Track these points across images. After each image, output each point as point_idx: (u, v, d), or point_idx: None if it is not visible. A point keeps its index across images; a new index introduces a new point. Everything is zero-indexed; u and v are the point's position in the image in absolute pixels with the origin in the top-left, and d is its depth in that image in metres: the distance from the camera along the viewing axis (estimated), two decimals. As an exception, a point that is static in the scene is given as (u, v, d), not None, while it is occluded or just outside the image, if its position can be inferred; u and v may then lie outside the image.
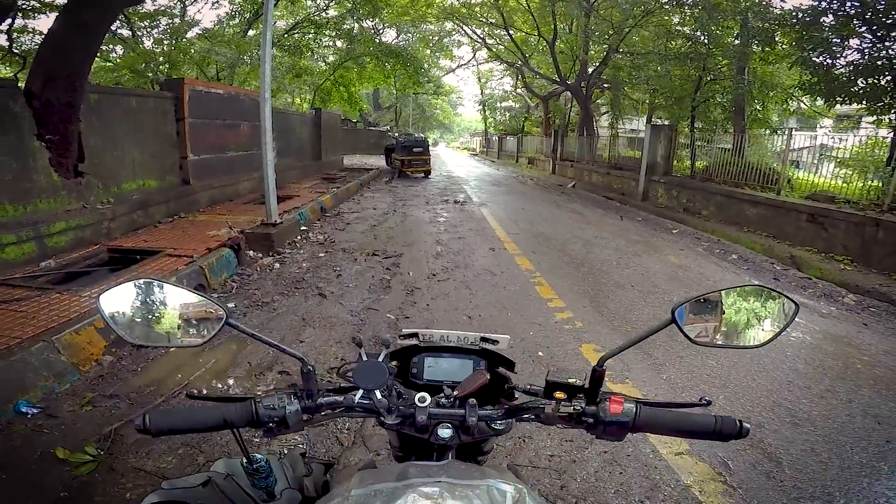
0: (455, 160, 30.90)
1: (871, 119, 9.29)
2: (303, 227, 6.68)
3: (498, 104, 34.49)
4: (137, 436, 2.26)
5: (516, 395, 0.89)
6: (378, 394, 0.78)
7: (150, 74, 11.00)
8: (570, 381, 0.80)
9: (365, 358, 0.79)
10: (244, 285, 4.43)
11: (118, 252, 4.85)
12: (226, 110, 8.44)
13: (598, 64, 16.18)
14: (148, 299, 0.77)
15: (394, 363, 0.86)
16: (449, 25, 22.18)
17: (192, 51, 11.75)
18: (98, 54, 6.30)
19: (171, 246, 4.88)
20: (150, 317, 0.76)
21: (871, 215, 5.96)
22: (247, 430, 0.80)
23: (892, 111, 8.04)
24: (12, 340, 2.73)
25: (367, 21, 17.21)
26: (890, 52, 7.67)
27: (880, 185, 6.57)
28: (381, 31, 19.56)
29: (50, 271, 4.18)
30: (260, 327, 3.54)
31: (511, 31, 18.70)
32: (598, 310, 4.17)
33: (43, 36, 5.43)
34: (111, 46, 12.39)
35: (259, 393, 0.80)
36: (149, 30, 12.96)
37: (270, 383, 2.82)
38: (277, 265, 5.06)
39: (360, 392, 0.79)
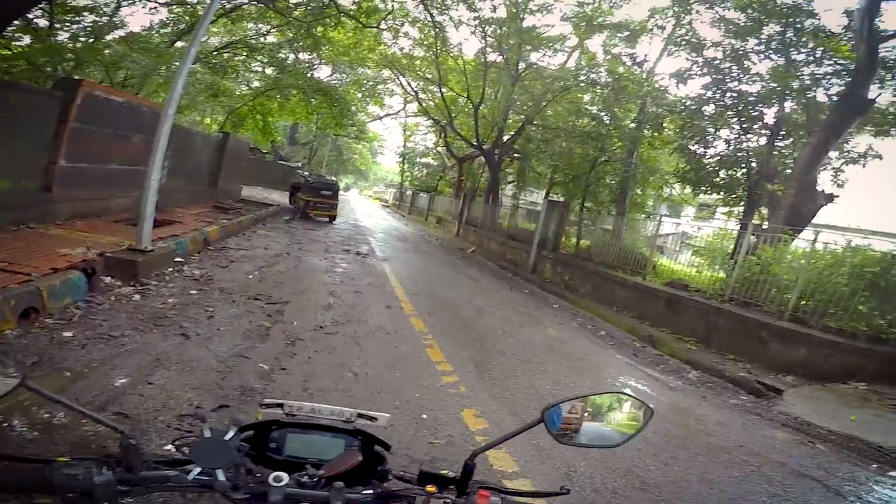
0: (365, 209, 30.90)
1: (724, 210, 11.01)
2: (178, 259, 6.03)
3: (418, 159, 35.34)
4: None
5: (390, 478, 0.85)
6: (220, 474, 0.68)
7: (49, 69, 9.78)
8: (442, 472, 0.81)
9: (208, 434, 0.70)
10: (90, 314, 3.81)
11: (-71, 258, 3.96)
12: (121, 120, 7.76)
13: (513, 133, 17.49)
14: None
15: (247, 433, 0.78)
16: (386, 73, 22.59)
17: (106, 52, 10.70)
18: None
19: (7, 259, 4.10)
20: None
21: (714, 304, 7.00)
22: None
23: (742, 203, 9.52)
24: None
25: (304, 54, 17.05)
26: (749, 144, 9.23)
27: (724, 276, 7.72)
28: (315, 67, 19.41)
29: None
30: (100, 363, 3.03)
31: (444, 89, 19.58)
32: (482, 376, 4.25)
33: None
34: (17, 34, 10.89)
35: (63, 458, 0.67)
36: (69, 25, 11.63)
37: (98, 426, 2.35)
38: (138, 297, 4.46)
39: (198, 469, 0.69)
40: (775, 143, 9.13)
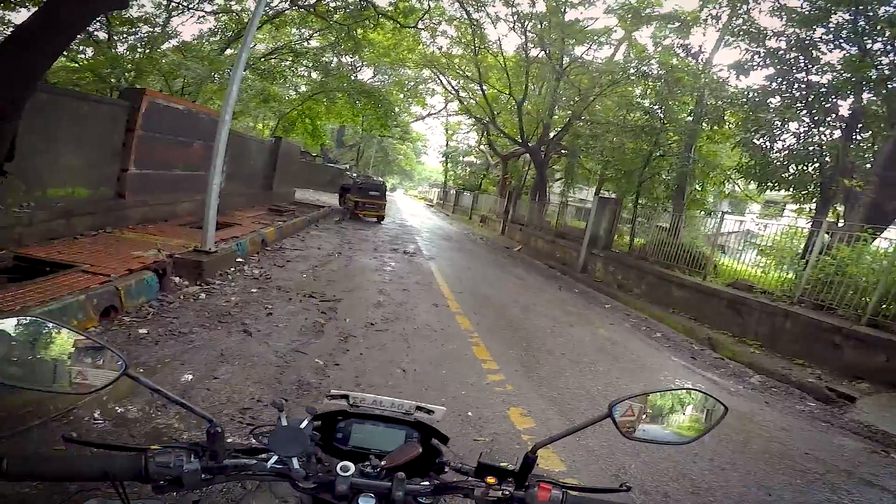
0: (411, 209, 31.31)
1: (794, 207, 10.18)
2: (239, 259, 6.39)
3: (461, 158, 35.35)
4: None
5: (446, 470, 0.87)
6: (295, 462, 0.73)
7: (113, 80, 10.61)
8: (501, 465, 0.81)
9: (285, 423, 0.75)
10: (162, 312, 4.13)
11: (26, 261, 4.41)
12: (182, 127, 8.21)
13: (559, 129, 17.05)
14: (33, 338, 0.71)
15: (318, 423, 0.83)
16: (426, 73, 22.78)
17: (163, 61, 11.48)
18: (65, 53, 5.99)
19: (88, 262, 4.50)
20: (31, 357, 0.71)
21: (781, 306, 6.54)
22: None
23: (814, 200, 8.81)
24: None
25: (347, 57, 17.49)
26: (822, 137, 8.53)
27: (794, 277, 7.17)
28: (358, 69, 19.87)
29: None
30: (171, 358, 3.28)
31: (485, 87, 19.45)
32: (529, 375, 4.22)
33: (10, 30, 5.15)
34: (82, 47, 11.91)
35: (155, 447, 0.73)
36: (126, 36, 12.61)
37: (173, 419, 2.57)
38: (204, 295, 4.78)
39: (275, 458, 0.74)
40: (852, 137, 8.40)
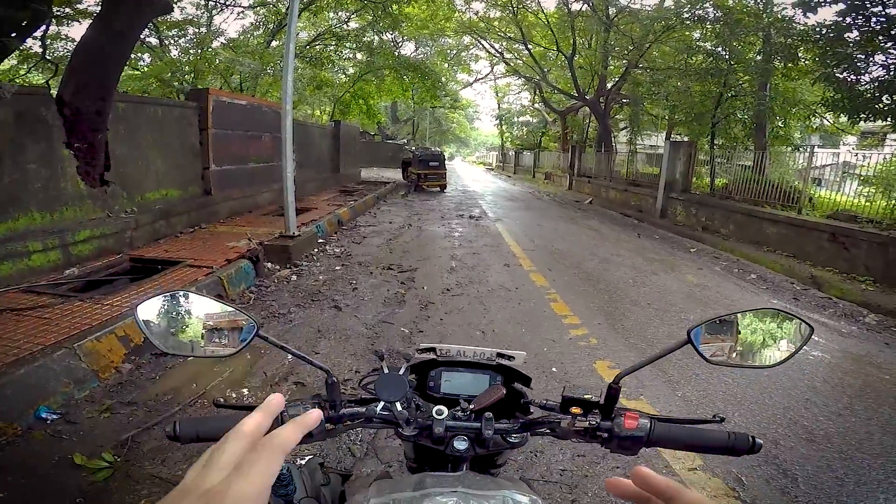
0: (471, 174, 31.05)
1: (895, 136, 9.07)
2: (320, 240, 6.77)
3: (515, 119, 34.51)
4: (154, 444, 2.30)
5: (532, 410, 0.90)
6: (398, 406, 0.80)
7: (175, 83, 11.27)
8: (585, 396, 0.82)
9: (386, 371, 0.81)
10: (262, 296, 4.50)
11: (140, 262, 4.95)
12: (248, 121, 8.54)
13: (617, 79, 16.23)
14: (181, 310, 0.78)
15: (413, 377, 0.88)
16: (467, 39, 22.39)
17: (217, 60, 11.99)
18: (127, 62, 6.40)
19: (192, 256, 4.99)
20: (182, 327, 0.78)
21: (894, 235, 5.82)
22: None
23: None
24: (35, 347, 2.78)
25: (387, 34, 17.47)
26: None
27: None
28: (400, 44, 19.80)
29: (73, 279, 4.27)
30: (276, 338, 3.58)
31: (529, 46, 18.82)
32: (614, 327, 4.14)
33: (75, 43, 5.47)
34: (139, 54, 12.69)
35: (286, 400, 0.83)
36: (175, 39, 13.34)
37: (286, 393, 2.85)
38: (294, 277, 5.13)
39: (381, 404, 0.81)
40: None
